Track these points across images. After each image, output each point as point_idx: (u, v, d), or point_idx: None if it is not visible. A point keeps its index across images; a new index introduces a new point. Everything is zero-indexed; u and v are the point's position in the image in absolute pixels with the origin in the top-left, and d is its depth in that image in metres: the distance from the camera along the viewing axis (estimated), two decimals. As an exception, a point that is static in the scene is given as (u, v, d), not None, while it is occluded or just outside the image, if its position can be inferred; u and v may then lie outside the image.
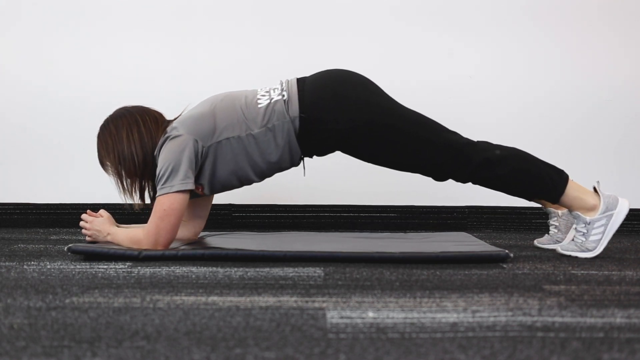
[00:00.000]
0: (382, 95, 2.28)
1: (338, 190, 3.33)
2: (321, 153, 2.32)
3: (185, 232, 2.51)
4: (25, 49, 3.38)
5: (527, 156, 2.25)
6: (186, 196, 2.19)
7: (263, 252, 2.13)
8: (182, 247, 2.24)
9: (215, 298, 1.54)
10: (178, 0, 3.36)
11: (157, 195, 2.18)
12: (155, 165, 2.22)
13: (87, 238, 2.33)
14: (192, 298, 1.54)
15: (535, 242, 2.59)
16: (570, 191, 2.21)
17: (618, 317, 1.35)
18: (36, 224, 3.37)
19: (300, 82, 2.27)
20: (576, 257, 2.24)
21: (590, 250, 2.23)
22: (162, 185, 2.16)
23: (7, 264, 2.09)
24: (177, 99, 3.07)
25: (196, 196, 2.38)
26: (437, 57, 3.34)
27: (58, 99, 3.35)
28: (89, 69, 3.36)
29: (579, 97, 3.33)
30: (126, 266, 2.00)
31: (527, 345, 1.15)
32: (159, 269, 1.94)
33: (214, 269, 1.95)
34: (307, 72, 2.40)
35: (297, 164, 2.33)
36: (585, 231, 2.22)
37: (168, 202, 2.15)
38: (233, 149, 2.22)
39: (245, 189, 2.43)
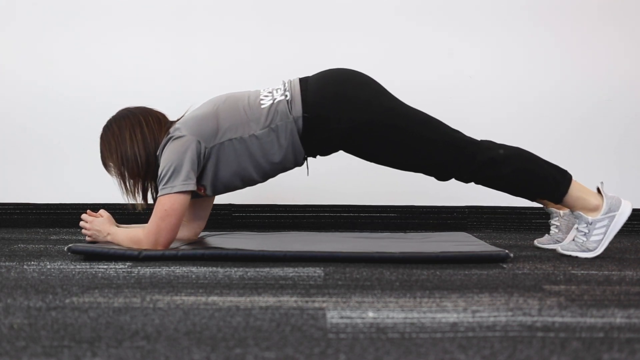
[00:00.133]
0: (385, 95, 2.28)
1: (338, 190, 3.33)
2: (324, 153, 2.32)
3: (185, 232, 2.51)
4: (24, 48, 3.38)
5: (531, 156, 2.25)
6: (187, 197, 2.19)
7: (263, 252, 2.13)
8: (182, 247, 2.24)
9: (215, 298, 1.54)
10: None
11: (158, 195, 2.19)
12: (158, 166, 2.22)
13: (87, 238, 2.33)
14: (192, 298, 1.54)
15: (535, 242, 2.59)
16: (573, 191, 2.21)
17: (618, 317, 1.35)
18: (36, 224, 3.37)
19: (303, 82, 2.27)
20: (576, 257, 2.24)
21: (591, 251, 2.23)
22: (164, 185, 2.16)
23: (7, 264, 2.09)
24: (177, 98, 3.09)
25: (197, 196, 2.38)
26: (437, 55, 3.34)
27: (58, 99, 3.35)
28: (89, 69, 3.36)
29: (579, 95, 3.33)
30: (126, 266, 2.00)
31: (527, 345, 1.15)
32: (159, 269, 1.94)
33: (214, 269, 1.95)
34: (309, 70, 2.40)
35: (300, 164, 2.33)
36: (586, 231, 2.22)
37: (169, 202, 2.15)
38: (236, 150, 2.22)
39: (245, 189, 2.43)
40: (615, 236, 2.25)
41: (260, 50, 3.35)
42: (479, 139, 2.26)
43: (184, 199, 2.17)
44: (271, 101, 2.24)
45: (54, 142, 3.36)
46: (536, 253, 2.40)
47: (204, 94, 2.45)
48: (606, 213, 2.20)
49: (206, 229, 2.73)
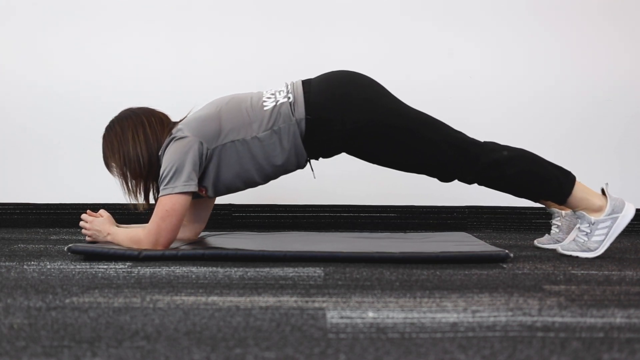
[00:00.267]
0: (388, 96, 2.28)
1: (338, 190, 3.33)
2: (327, 155, 2.32)
3: (185, 232, 2.51)
4: (24, 47, 3.37)
5: (535, 157, 2.25)
6: (188, 198, 2.19)
7: (263, 252, 2.13)
8: (182, 247, 2.24)
9: (215, 298, 1.54)
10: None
11: (159, 195, 2.19)
12: (160, 167, 2.22)
13: (87, 238, 2.33)
14: (192, 298, 1.54)
15: (536, 242, 2.59)
16: (577, 192, 2.22)
17: (618, 317, 1.35)
18: (36, 224, 3.37)
19: (306, 84, 2.27)
20: (577, 256, 2.24)
21: (592, 251, 2.23)
22: (165, 185, 2.16)
23: (7, 264, 2.09)
24: (177, 97, 3.10)
25: (198, 197, 2.38)
26: (437, 54, 3.34)
27: (58, 98, 3.35)
28: (89, 68, 3.36)
29: (579, 94, 3.33)
30: (126, 266, 2.00)
31: (527, 345, 1.15)
32: (159, 269, 1.94)
33: (214, 269, 1.95)
34: (309, 68, 2.40)
35: (303, 167, 2.33)
36: (588, 231, 2.23)
37: (170, 202, 2.15)
38: (238, 152, 2.22)
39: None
40: (616, 236, 2.25)
41: (262, 48, 3.35)
42: (481, 140, 2.26)
43: (185, 199, 2.17)
44: (274, 103, 2.24)
45: (54, 142, 3.36)
46: (536, 253, 2.40)
47: (205, 93, 2.46)
48: (609, 214, 2.20)
49: (206, 229, 2.73)
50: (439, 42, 3.35)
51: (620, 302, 1.52)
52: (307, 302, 1.50)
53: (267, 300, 1.52)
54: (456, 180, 2.29)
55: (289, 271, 1.91)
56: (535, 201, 2.37)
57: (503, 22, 3.34)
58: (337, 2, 3.35)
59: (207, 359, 1.08)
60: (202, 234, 2.70)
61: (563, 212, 2.50)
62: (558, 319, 1.33)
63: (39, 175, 3.38)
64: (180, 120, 2.31)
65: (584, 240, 2.24)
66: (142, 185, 2.28)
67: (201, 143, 2.19)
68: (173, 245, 2.27)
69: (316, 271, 1.91)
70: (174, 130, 2.24)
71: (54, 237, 2.94)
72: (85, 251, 2.16)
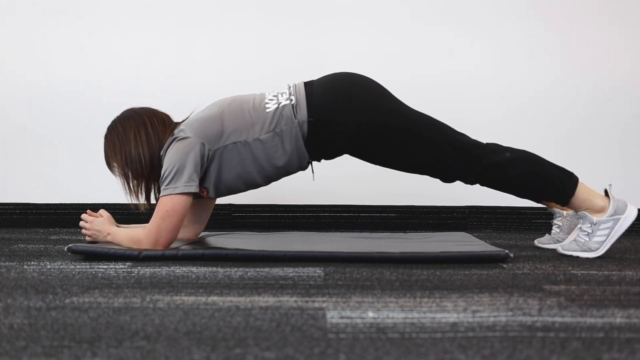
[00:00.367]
0: (390, 98, 2.28)
1: (338, 190, 3.33)
2: (329, 156, 2.32)
3: (185, 232, 2.52)
4: (24, 47, 3.37)
5: (537, 159, 2.25)
6: (189, 198, 2.19)
7: (263, 252, 2.13)
8: (182, 247, 2.24)
9: (215, 298, 1.54)
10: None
11: (160, 195, 2.19)
12: (162, 167, 2.22)
13: (87, 238, 2.33)
14: (192, 298, 1.54)
15: (536, 242, 2.60)
16: (580, 194, 2.22)
17: (618, 317, 1.35)
18: (36, 224, 3.37)
19: (308, 85, 2.27)
20: (577, 256, 2.24)
21: (593, 251, 2.23)
22: (166, 186, 2.16)
23: (7, 264, 2.09)
24: (177, 97, 3.10)
25: (199, 197, 2.38)
26: (437, 53, 3.34)
27: (58, 98, 3.35)
28: (90, 68, 3.35)
29: (580, 92, 3.32)
30: (126, 266, 2.00)
31: (527, 345, 1.15)
32: (159, 269, 1.94)
33: (214, 269, 1.95)
34: (311, 67, 2.39)
35: (305, 168, 2.33)
36: (590, 231, 2.23)
37: (171, 203, 2.16)
38: (240, 154, 2.22)
39: (245, 189, 2.44)
40: (617, 238, 2.25)
41: (263, 46, 3.35)
42: (484, 141, 2.26)
43: (186, 200, 2.17)
44: (276, 105, 2.24)
45: (54, 142, 3.36)
46: (536, 253, 2.40)
47: (206, 91, 2.46)
48: (612, 215, 2.20)
49: (206, 229, 2.73)
50: (439, 41, 3.34)
51: (620, 302, 1.52)
52: (307, 302, 1.50)
53: (267, 300, 1.52)
54: (458, 181, 2.29)
55: (289, 271, 1.91)
56: (538, 202, 2.38)
57: (503, 21, 3.34)
58: (338, 0, 3.35)
59: (207, 359, 1.08)
60: (202, 234, 2.70)
61: (564, 212, 2.50)
62: (558, 319, 1.33)
63: (39, 175, 3.38)
64: (183, 121, 2.31)
65: (585, 240, 2.24)
66: (143, 185, 2.28)
67: (203, 144, 2.19)
68: (173, 245, 2.27)
69: (316, 271, 1.91)
70: (176, 131, 2.24)
71: (54, 237, 2.94)
72: (85, 251, 2.16)
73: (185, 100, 2.49)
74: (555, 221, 2.55)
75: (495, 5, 3.34)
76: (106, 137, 2.30)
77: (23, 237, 2.91)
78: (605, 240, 2.22)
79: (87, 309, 1.42)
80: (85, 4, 3.36)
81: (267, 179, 2.31)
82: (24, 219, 3.38)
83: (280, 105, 2.24)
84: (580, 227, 2.26)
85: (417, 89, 3.10)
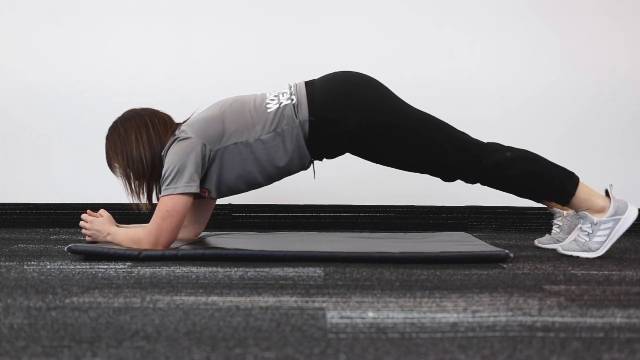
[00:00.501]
0: (391, 96, 2.28)
1: (338, 190, 3.33)
2: (331, 155, 2.32)
3: (185, 233, 2.52)
4: (24, 47, 3.37)
5: (538, 158, 2.25)
6: (190, 199, 2.19)
7: (263, 252, 2.13)
8: (182, 247, 2.25)
9: (215, 298, 1.54)
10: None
11: (160, 195, 2.19)
12: (163, 167, 2.22)
13: (87, 238, 2.33)
14: (192, 298, 1.54)
15: (536, 242, 2.60)
16: (580, 194, 2.22)
17: (618, 317, 1.35)
18: (36, 224, 3.37)
19: (309, 85, 2.27)
20: (577, 256, 2.24)
21: (593, 251, 2.23)
22: (167, 186, 2.16)
23: (7, 264, 2.09)
24: (178, 96, 3.09)
25: (200, 197, 2.38)
26: (437, 52, 3.34)
27: (58, 98, 3.35)
28: (90, 68, 3.35)
29: (580, 90, 3.32)
30: (126, 266, 2.00)
31: (527, 345, 1.15)
32: (159, 269, 1.94)
33: (214, 269, 1.95)
34: (312, 66, 2.39)
35: (306, 168, 2.33)
36: (590, 231, 2.23)
37: (171, 203, 2.16)
38: (241, 154, 2.22)
39: (245, 189, 2.44)
40: (617, 238, 2.25)
41: (264, 44, 3.35)
42: (484, 140, 2.26)
43: (187, 200, 2.17)
44: (277, 105, 2.24)
45: (54, 142, 3.36)
46: (536, 253, 2.40)
47: (206, 91, 2.46)
48: (612, 215, 2.20)
49: (206, 229, 2.73)
50: (439, 40, 3.34)
51: (620, 302, 1.52)
52: (307, 302, 1.50)
53: (267, 300, 1.52)
54: (458, 180, 2.29)
55: (289, 271, 1.91)
56: (538, 202, 2.37)
57: (503, 19, 3.34)
58: None
59: (207, 359, 1.08)
60: (202, 234, 2.70)
61: (565, 212, 2.50)
62: (558, 319, 1.33)
63: (39, 175, 3.38)
64: (184, 122, 2.31)
65: (585, 240, 2.24)
66: (145, 185, 2.28)
67: (204, 145, 2.19)
68: (173, 245, 2.27)
69: (316, 271, 1.91)
70: (177, 132, 2.25)
71: (54, 237, 2.94)
72: (85, 251, 2.16)
73: (186, 100, 2.49)
74: (555, 221, 2.55)
75: (496, 3, 3.33)
76: (107, 137, 2.30)
77: (23, 237, 2.91)
78: (605, 241, 2.22)
79: (87, 309, 1.42)
80: (84, 3, 3.36)
81: (269, 179, 2.31)
82: (24, 219, 3.38)
83: (282, 105, 2.24)
84: (581, 227, 2.26)
85: (418, 88, 3.09)
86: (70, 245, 2.18)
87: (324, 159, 2.34)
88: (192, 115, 2.34)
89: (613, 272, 1.95)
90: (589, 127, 3.33)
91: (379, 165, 2.36)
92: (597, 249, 2.22)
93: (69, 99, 3.35)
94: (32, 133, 3.37)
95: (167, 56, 3.35)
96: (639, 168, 3.33)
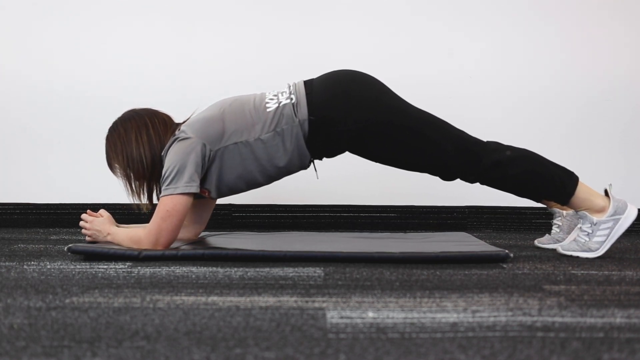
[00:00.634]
0: (390, 95, 2.28)
1: (338, 190, 3.33)
2: (331, 154, 2.32)
3: (186, 232, 2.52)
4: (24, 47, 3.37)
5: (538, 158, 2.25)
6: (190, 199, 2.19)
7: (263, 252, 2.13)
8: (182, 247, 2.25)
9: (215, 298, 1.54)
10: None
11: (160, 195, 2.19)
12: (163, 167, 2.22)
13: (87, 238, 2.33)
14: (192, 298, 1.54)
15: (536, 242, 2.60)
16: (580, 193, 2.22)
17: (618, 317, 1.35)
18: (36, 224, 3.37)
19: (308, 84, 2.27)
20: (577, 256, 2.24)
21: (593, 251, 2.23)
22: (167, 186, 2.16)
23: (7, 264, 2.09)
24: (178, 96, 3.09)
25: (200, 197, 2.38)
26: (438, 51, 3.34)
27: (58, 98, 3.35)
28: (90, 68, 3.35)
29: (580, 88, 3.31)
30: (126, 266, 2.00)
31: (527, 345, 1.15)
32: (159, 269, 1.94)
33: (214, 269, 1.95)
34: (312, 65, 2.39)
35: (306, 167, 2.33)
36: (590, 231, 2.23)
37: (171, 203, 2.16)
38: (241, 154, 2.22)
39: (245, 189, 2.44)
40: (617, 238, 2.25)
41: (264, 41, 3.35)
42: (484, 139, 2.26)
43: (187, 200, 2.17)
44: (277, 104, 2.24)
45: (54, 142, 3.36)
46: (536, 253, 2.40)
47: (206, 91, 2.45)
48: (612, 215, 2.20)
49: (206, 229, 2.73)
50: (439, 38, 3.34)
51: (620, 302, 1.52)
52: (307, 302, 1.50)
53: (267, 300, 1.52)
54: (458, 180, 2.29)
55: (289, 271, 1.91)
56: (538, 201, 2.37)
57: (503, 16, 3.33)
58: None
59: (207, 359, 1.08)
60: (202, 234, 2.70)
61: (564, 212, 2.50)
62: (558, 319, 1.33)
63: (39, 175, 3.38)
64: (184, 122, 2.31)
65: (585, 240, 2.24)
66: (145, 186, 2.28)
67: (204, 145, 2.19)
68: (173, 245, 2.27)
69: (316, 271, 1.91)
70: (177, 132, 2.25)
71: (54, 237, 2.94)
72: (85, 251, 2.16)
73: (186, 100, 2.49)
74: (555, 221, 2.55)
75: (496, 3, 3.33)
76: (107, 138, 2.30)
77: (23, 237, 2.91)
78: (605, 241, 2.22)
79: (87, 309, 1.42)
80: (83, 2, 3.36)
81: (269, 179, 2.31)
82: (24, 219, 3.38)
83: (281, 104, 2.24)
84: (580, 227, 2.26)
85: (417, 87, 3.09)
86: (70, 245, 2.18)
87: (324, 158, 2.34)
88: (192, 115, 2.34)
89: (613, 272, 1.95)
90: (589, 127, 3.33)
91: (379, 165, 2.36)
92: (597, 249, 2.22)
93: (69, 99, 3.34)
94: (32, 133, 3.37)
95: (167, 56, 3.35)
96: (639, 168, 3.33)
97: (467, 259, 2.12)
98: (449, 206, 3.34)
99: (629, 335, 1.22)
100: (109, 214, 2.33)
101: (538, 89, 3.33)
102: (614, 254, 2.34)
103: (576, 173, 2.25)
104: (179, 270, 1.93)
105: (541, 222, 3.26)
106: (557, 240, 2.50)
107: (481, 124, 2.88)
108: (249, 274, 1.87)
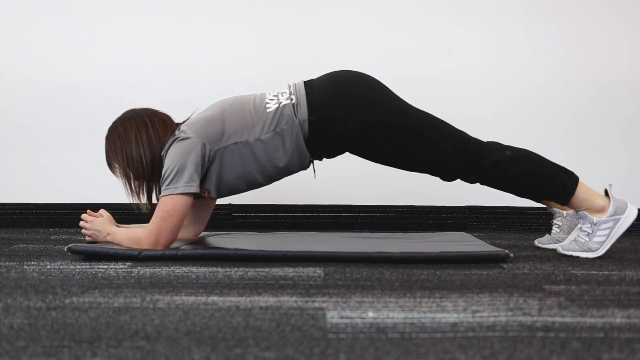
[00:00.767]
0: (390, 95, 2.28)
1: (338, 190, 3.33)
2: (330, 155, 2.32)
3: (185, 232, 2.52)
4: (24, 47, 3.37)
5: (538, 158, 2.25)
6: (189, 199, 2.19)
7: (263, 252, 2.13)
8: (182, 247, 2.25)
9: (215, 298, 1.54)
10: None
11: (160, 195, 2.19)
12: (163, 167, 2.22)
13: (87, 238, 2.33)
14: (192, 298, 1.54)
15: (536, 242, 2.60)
16: (580, 193, 2.22)
17: (618, 317, 1.35)
18: (36, 224, 3.37)
19: (308, 84, 2.27)
20: (577, 256, 2.24)
21: (593, 251, 2.23)
22: (167, 186, 2.16)
23: (7, 264, 2.09)
24: (177, 97, 3.09)
25: (200, 197, 2.38)
26: (436, 49, 3.33)
27: (58, 98, 3.35)
28: (90, 68, 3.35)
29: (580, 86, 3.31)
30: (126, 266, 2.00)
31: (527, 345, 1.15)
32: (159, 269, 1.94)
33: (214, 269, 1.95)
34: (312, 65, 2.38)
35: (306, 168, 2.33)
36: (590, 231, 2.23)
37: (171, 203, 2.16)
38: (241, 154, 2.22)
39: (245, 189, 2.44)
40: (617, 238, 2.25)
41: (264, 45, 3.35)
42: (484, 139, 2.26)
43: (186, 200, 2.17)
44: (277, 105, 2.24)
45: (54, 142, 3.36)
46: (536, 253, 2.40)
47: (206, 91, 2.45)
48: (612, 215, 2.20)
49: (206, 229, 2.73)
50: (438, 37, 3.33)
51: (620, 302, 1.52)
52: (307, 302, 1.50)
53: (267, 300, 1.52)
54: (458, 180, 2.29)
55: (289, 271, 1.91)
56: (538, 201, 2.37)
57: (503, 16, 3.33)
58: None
59: (207, 359, 1.08)
60: (202, 234, 2.70)
61: (564, 212, 2.50)
62: (558, 319, 1.33)
63: (39, 175, 3.38)
64: (184, 122, 2.31)
65: (585, 240, 2.24)
66: (145, 185, 2.28)
67: (204, 145, 2.19)
68: (173, 245, 2.27)
69: (316, 271, 1.91)
70: (177, 132, 2.25)
71: (54, 237, 2.94)
72: (85, 251, 2.16)
73: (185, 99, 2.49)
74: (555, 221, 2.55)
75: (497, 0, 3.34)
76: (107, 138, 2.30)
77: (23, 237, 2.91)
78: (605, 241, 2.22)
79: (87, 309, 1.42)
80: (82, 2, 3.36)
81: (269, 179, 2.31)
82: (24, 219, 3.38)
83: (281, 104, 2.24)
84: (580, 227, 2.26)
85: (417, 86, 3.09)
86: (70, 245, 2.18)
87: (324, 159, 2.34)
88: (191, 115, 2.34)
89: (613, 272, 1.95)
90: (589, 127, 3.33)
91: (379, 165, 2.36)
92: (597, 249, 2.22)
93: (69, 99, 3.34)
94: (32, 133, 3.37)
95: (167, 56, 3.35)
96: (639, 168, 3.33)
97: (467, 259, 2.12)
98: (449, 206, 3.34)
99: (629, 335, 1.22)
100: (109, 214, 2.33)
101: (538, 89, 3.33)
102: (614, 254, 2.34)
103: (576, 173, 2.25)
104: (179, 270, 1.93)
105: (541, 222, 3.26)
106: (557, 240, 2.50)
107: (481, 124, 2.88)
108: (249, 274, 1.87)
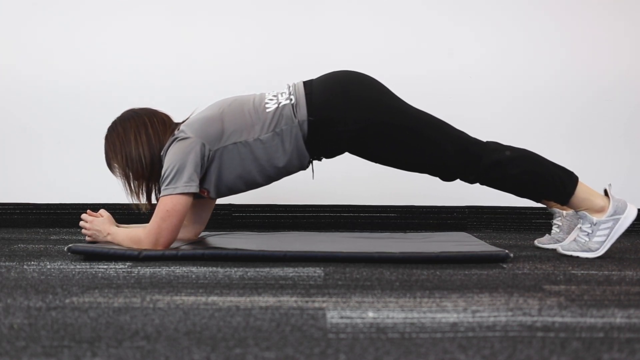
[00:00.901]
0: (389, 95, 2.28)
1: (338, 190, 3.33)
2: (330, 155, 2.32)
3: (185, 233, 2.52)
4: (26, 47, 3.37)
5: (537, 158, 2.25)
6: (189, 198, 2.19)
7: (263, 252, 2.13)
8: (182, 247, 2.25)
9: (215, 298, 1.54)
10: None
11: (160, 195, 2.19)
12: (162, 167, 2.22)
13: (87, 238, 2.33)
14: (192, 298, 1.54)
15: (536, 242, 2.60)
16: (580, 193, 2.22)
17: (618, 317, 1.35)
18: (36, 224, 3.37)
19: (307, 85, 2.27)
20: (577, 257, 2.24)
21: (593, 251, 2.23)
22: (166, 186, 2.16)
23: (7, 264, 2.09)
24: (177, 97, 3.09)
25: (199, 197, 2.38)
26: (437, 48, 3.33)
27: (58, 98, 3.35)
28: (90, 67, 3.35)
29: (581, 85, 3.31)
30: (126, 266, 2.00)
31: (527, 345, 1.15)
32: (159, 269, 1.94)
33: (214, 269, 1.95)
34: (312, 65, 2.38)
35: (305, 168, 2.33)
36: (590, 231, 2.23)
37: (171, 203, 2.16)
38: (240, 154, 2.22)
39: (245, 189, 2.44)
40: (617, 238, 2.25)
41: (264, 45, 3.35)
42: (484, 139, 2.26)
43: (186, 200, 2.17)
44: (276, 105, 2.24)
45: (54, 142, 3.36)
46: (536, 253, 2.40)
47: (205, 91, 2.45)
48: (611, 215, 2.20)
49: (206, 229, 2.73)
50: (439, 36, 3.33)
51: (620, 302, 1.52)
52: (307, 302, 1.50)
53: (267, 300, 1.52)
54: (458, 180, 2.29)
55: (289, 271, 1.91)
56: (537, 201, 2.37)
57: (503, 16, 3.33)
58: None
59: (207, 359, 1.08)
60: (202, 234, 2.70)
61: (564, 212, 2.50)
62: (558, 319, 1.33)
63: (39, 175, 3.38)
64: (183, 122, 2.31)
65: (585, 240, 2.24)
66: (144, 185, 2.28)
67: (203, 144, 2.19)
68: (173, 245, 2.27)
69: (316, 271, 1.91)
70: (176, 131, 2.25)
71: (54, 237, 2.94)
72: (85, 251, 2.16)
73: (185, 99, 2.49)
74: (555, 221, 2.55)
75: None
76: (106, 138, 2.30)
77: (23, 237, 2.91)
78: (605, 241, 2.22)
79: (87, 309, 1.42)
80: (83, 2, 3.36)
81: (268, 179, 2.31)
82: (24, 219, 3.38)
83: (280, 105, 2.24)
84: (580, 227, 2.26)
85: (416, 86, 3.09)
86: (70, 245, 2.18)
87: (323, 159, 2.34)
88: (191, 115, 2.34)
89: (613, 272, 1.95)
90: (589, 127, 3.33)
91: (378, 165, 2.36)
92: (597, 249, 2.22)
93: (69, 99, 3.34)
94: (32, 133, 3.37)
95: (166, 56, 3.35)
96: (639, 168, 3.33)
97: (467, 259, 2.12)
98: (449, 206, 3.34)
99: (629, 335, 1.22)
100: (109, 214, 2.33)
101: (538, 89, 3.33)
102: (614, 254, 2.34)
103: (576, 173, 2.25)
104: (179, 270, 1.93)
105: (541, 222, 3.26)
106: (557, 240, 2.50)
107: (481, 124, 2.88)
108: (249, 274, 1.87)
